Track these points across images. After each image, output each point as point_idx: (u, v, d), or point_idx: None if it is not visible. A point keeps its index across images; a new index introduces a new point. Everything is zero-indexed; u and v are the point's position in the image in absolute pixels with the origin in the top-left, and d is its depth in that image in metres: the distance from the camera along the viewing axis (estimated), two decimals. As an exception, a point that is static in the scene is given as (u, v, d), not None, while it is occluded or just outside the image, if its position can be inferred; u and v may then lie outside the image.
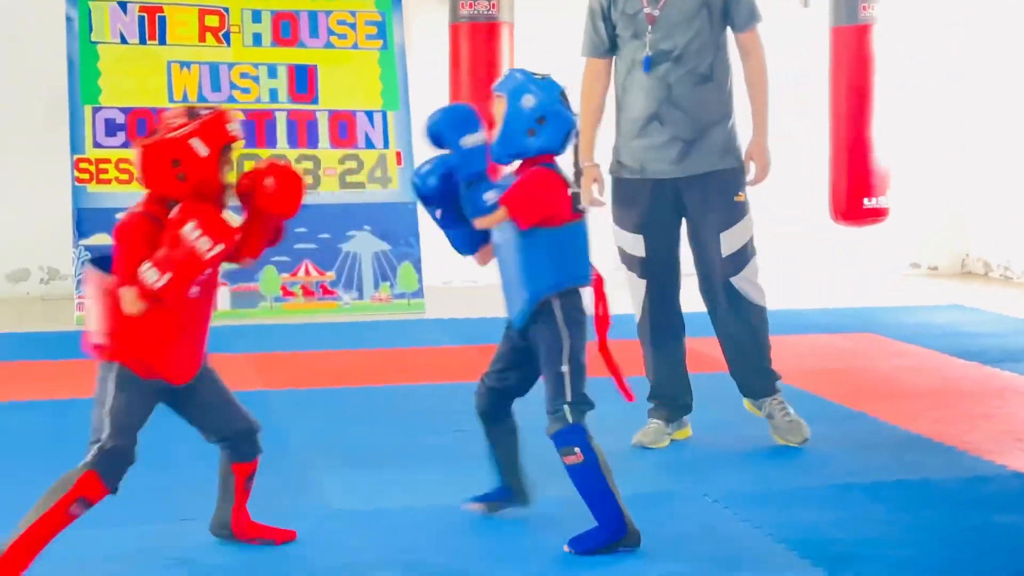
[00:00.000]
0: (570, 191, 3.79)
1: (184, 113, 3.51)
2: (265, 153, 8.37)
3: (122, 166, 8.06)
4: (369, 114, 8.64)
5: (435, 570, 3.62)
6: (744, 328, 4.89)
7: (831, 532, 3.91)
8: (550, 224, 3.74)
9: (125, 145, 8.09)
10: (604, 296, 3.85)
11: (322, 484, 4.42)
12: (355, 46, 8.68)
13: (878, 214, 8.51)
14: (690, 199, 4.82)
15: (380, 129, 8.64)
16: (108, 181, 8.06)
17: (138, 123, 8.16)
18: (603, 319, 3.82)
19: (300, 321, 8.03)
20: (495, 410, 4.02)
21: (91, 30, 8.23)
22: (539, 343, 3.79)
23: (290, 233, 8.25)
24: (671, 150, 4.78)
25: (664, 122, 4.78)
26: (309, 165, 8.47)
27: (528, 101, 3.78)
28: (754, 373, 4.95)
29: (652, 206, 4.84)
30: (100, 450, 3.41)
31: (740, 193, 4.83)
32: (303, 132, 8.50)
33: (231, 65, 8.45)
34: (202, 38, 8.41)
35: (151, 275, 3.33)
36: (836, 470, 4.61)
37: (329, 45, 8.64)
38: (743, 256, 4.83)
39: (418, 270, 8.52)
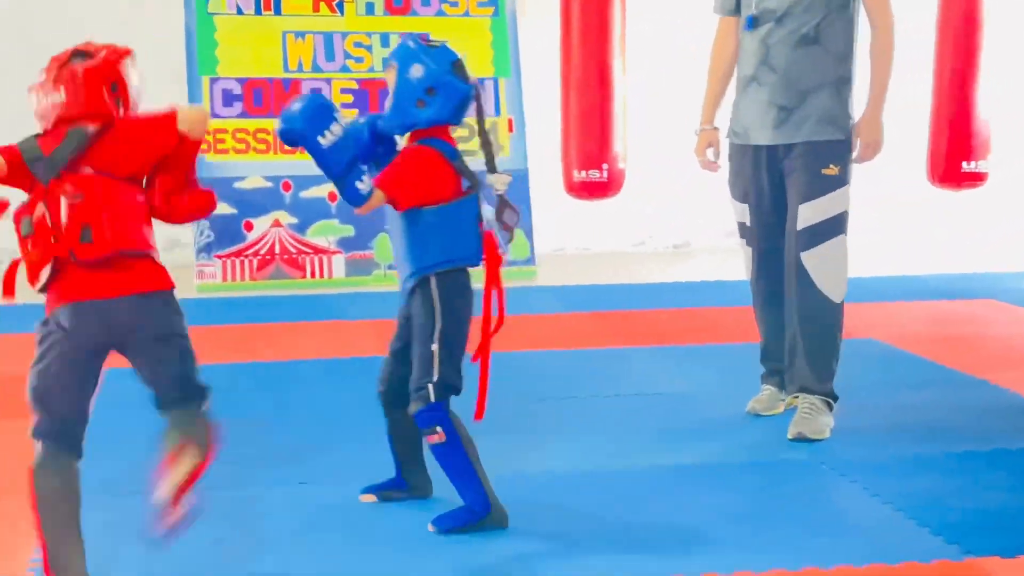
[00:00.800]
0: (456, 167, 3.69)
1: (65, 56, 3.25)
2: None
3: (239, 135, 8.20)
4: (480, 81, 8.65)
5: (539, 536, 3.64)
6: (807, 318, 4.59)
7: (951, 500, 3.85)
8: (432, 202, 3.65)
9: (242, 115, 8.21)
10: (497, 280, 3.72)
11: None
12: (466, 13, 8.70)
13: (976, 178, 8.31)
14: (786, 168, 4.63)
15: (491, 96, 8.66)
16: (226, 151, 8.19)
17: (254, 93, 8.28)
18: (493, 305, 3.70)
19: (413, 288, 8.08)
20: (396, 396, 3.82)
21: (208, 1, 8.36)
22: (414, 320, 3.70)
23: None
24: (768, 115, 4.61)
25: (761, 84, 4.62)
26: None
27: (416, 71, 3.65)
28: (809, 366, 4.64)
29: (755, 173, 4.70)
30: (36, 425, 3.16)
31: (832, 166, 4.55)
32: (415, 100, 8.54)
33: (344, 34, 8.52)
34: (316, 8, 8.49)
35: None
36: (956, 438, 4.53)
37: (441, 13, 8.67)
38: (820, 232, 4.54)
39: (529, 237, 8.53)
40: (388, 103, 3.72)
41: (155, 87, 9.63)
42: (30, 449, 3.11)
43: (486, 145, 3.81)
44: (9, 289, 3.18)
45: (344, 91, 8.43)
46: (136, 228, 3.18)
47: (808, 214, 4.55)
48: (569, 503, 3.90)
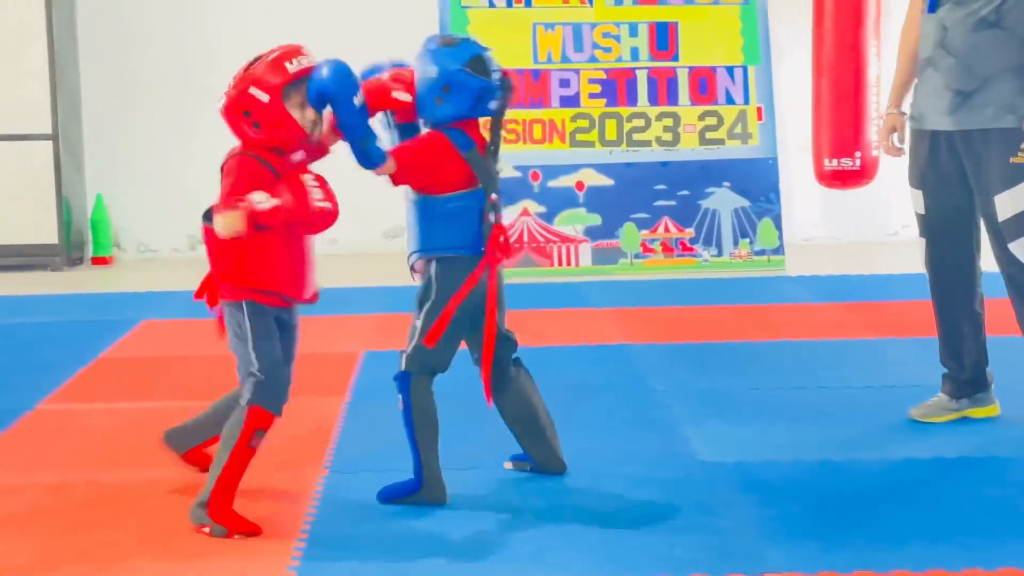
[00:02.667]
0: (465, 157, 3.76)
1: (246, 65, 3.61)
2: (626, 112, 8.48)
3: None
4: (730, 70, 8.60)
5: (790, 525, 3.61)
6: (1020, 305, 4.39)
7: None
8: (438, 191, 3.78)
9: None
10: (494, 280, 3.83)
11: (687, 436, 4.48)
12: (716, 2, 8.64)
13: None
14: (966, 156, 4.40)
15: (740, 85, 8.58)
16: (476, 141, 8.36)
17: (504, 84, 8.42)
18: (491, 299, 3.83)
19: (659, 277, 8.11)
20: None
21: (461, -5, 8.56)
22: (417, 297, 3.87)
23: (649, 190, 8.39)
24: (943, 99, 4.39)
25: (937, 68, 4.40)
26: (669, 122, 8.52)
27: (431, 71, 3.78)
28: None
29: (930, 159, 4.49)
30: (257, 384, 3.62)
31: (1020, 154, 4.29)
32: (663, 89, 8.55)
33: (593, 25, 8.59)
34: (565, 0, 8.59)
35: (260, 198, 3.48)
36: None
37: (690, 1, 8.63)
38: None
39: (778, 227, 8.43)
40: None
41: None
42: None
43: (493, 135, 3.88)
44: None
45: (592, 81, 8.50)
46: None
47: (1005, 205, 4.32)
48: (805, 492, 3.86)
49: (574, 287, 7.71)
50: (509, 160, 8.34)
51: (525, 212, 8.34)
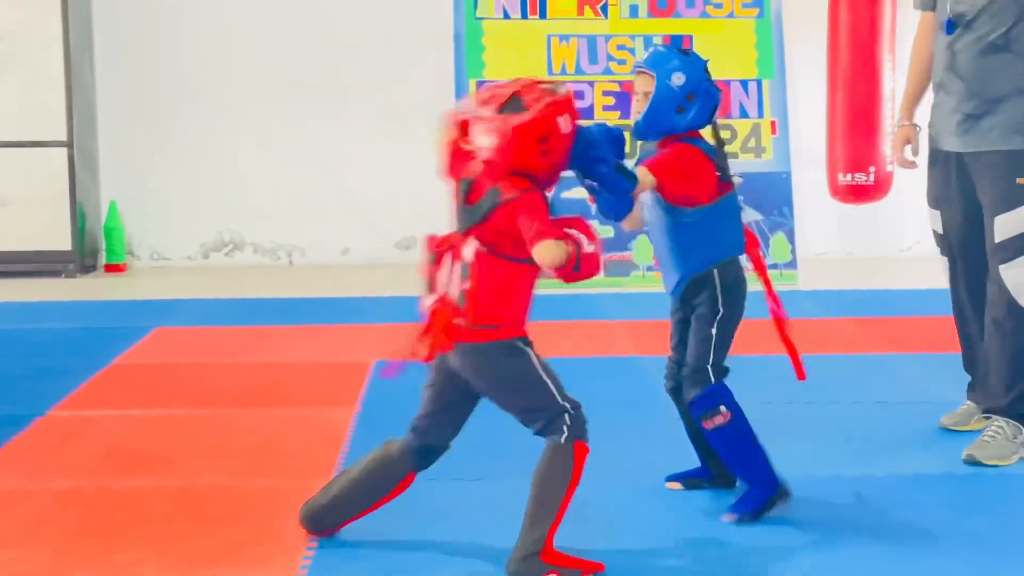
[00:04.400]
0: (717, 165, 3.75)
1: (534, 86, 3.38)
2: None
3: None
4: (744, 83, 8.59)
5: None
6: (1003, 334, 4.37)
7: None
8: (697, 203, 3.74)
9: (506, 117, 8.38)
10: (761, 264, 3.85)
11: (695, 450, 4.46)
12: (731, 15, 8.64)
13: None
14: (976, 176, 4.43)
15: (755, 98, 8.58)
16: (490, 152, 8.37)
17: (519, 96, 8.43)
18: (767, 285, 3.84)
19: (672, 290, 8.09)
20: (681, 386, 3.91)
21: (476, 7, 8.56)
22: (696, 311, 3.80)
23: (663, 203, 8.37)
24: (953, 121, 4.44)
25: (948, 92, 4.46)
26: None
27: (678, 79, 3.74)
28: (998, 385, 4.44)
29: (944, 179, 4.54)
30: (573, 418, 3.42)
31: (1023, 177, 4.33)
32: (678, 102, 8.54)
33: (608, 37, 8.59)
34: (580, 11, 8.59)
35: (583, 239, 3.34)
36: None
37: (705, 15, 8.64)
38: (1019, 245, 4.31)
39: (791, 241, 8.42)
40: (639, 109, 3.79)
41: (424, 90, 10.00)
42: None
43: (719, 146, 3.86)
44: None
45: (606, 93, 8.50)
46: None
47: (1003, 227, 4.34)
48: (817, 506, 3.85)
49: (586, 299, 7.70)
50: (522, 171, 8.35)
51: (538, 223, 8.33)
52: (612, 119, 8.46)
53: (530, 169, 3.38)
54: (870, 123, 8.01)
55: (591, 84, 8.50)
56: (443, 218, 10.03)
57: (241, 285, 8.46)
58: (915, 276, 8.38)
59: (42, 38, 8.64)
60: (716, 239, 3.77)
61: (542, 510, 3.37)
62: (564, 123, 3.36)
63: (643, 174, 3.66)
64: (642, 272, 8.32)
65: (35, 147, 8.70)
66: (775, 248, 8.39)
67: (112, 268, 9.13)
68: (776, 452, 4.41)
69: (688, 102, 3.75)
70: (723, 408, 3.73)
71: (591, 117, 8.47)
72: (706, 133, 3.85)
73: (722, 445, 3.76)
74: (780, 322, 3.90)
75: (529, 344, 3.48)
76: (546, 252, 3.28)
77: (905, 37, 8.28)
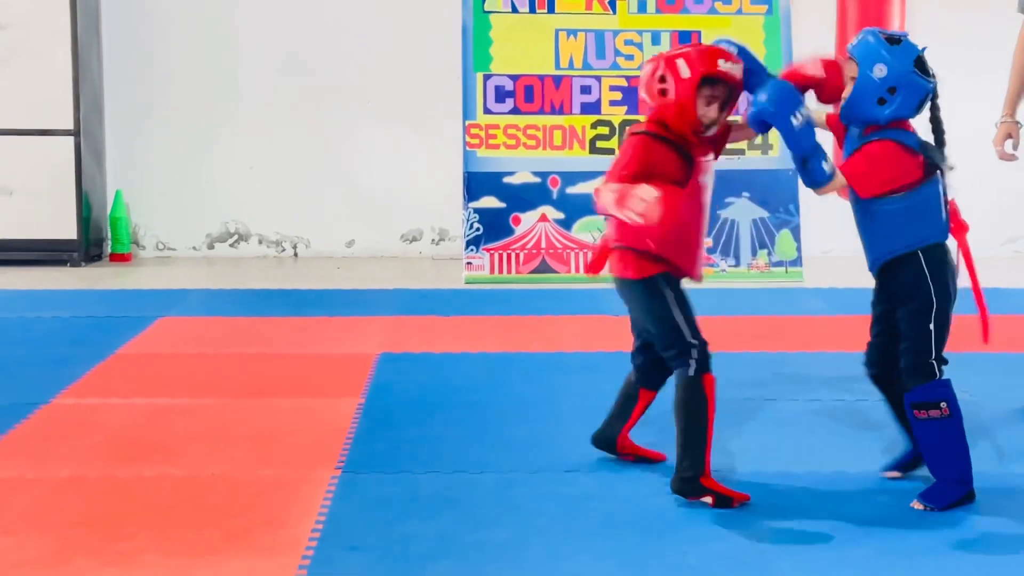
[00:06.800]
0: (920, 153, 3.72)
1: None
2: (643, 119, 8.45)
3: (510, 131, 8.36)
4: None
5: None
6: None
7: None
8: (896, 191, 3.73)
9: (514, 111, 8.37)
10: (966, 248, 3.84)
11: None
12: (739, 11, 8.62)
13: None
14: None
15: (762, 95, 8.55)
16: (496, 147, 8.37)
17: (526, 90, 8.43)
18: (970, 271, 3.83)
19: (677, 286, 8.08)
20: (885, 373, 3.95)
21: (484, 0, 8.55)
22: (905, 297, 3.79)
23: (669, 199, 8.36)
24: None
25: None
26: (690, 131, 8.49)
27: (880, 70, 3.69)
28: None
29: None
30: (700, 351, 3.83)
31: None
32: (684, 98, 8.52)
33: (616, 32, 8.58)
34: (588, 6, 8.57)
35: (643, 193, 3.64)
36: None
37: (713, 11, 8.62)
38: None
39: (797, 238, 8.41)
40: (845, 95, 3.79)
41: (430, 83, 9.98)
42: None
43: (938, 134, 3.85)
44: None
45: (613, 88, 8.49)
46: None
47: None
48: (819, 503, 3.85)
49: (591, 294, 7.69)
50: (529, 166, 8.34)
51: (543, 218, 8.33)
52: (619, 114, 8.46)
53: (659, 112, 3.84)
54: (877, 121, 8.00)
55: (598, 79, 8.48)
56: (448, 210, 10.08)
57: (246, 276, 8.47)
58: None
59: (50, 27, 8.63)
60: (914, 226, 3.76)
61: (690, 438, 3.79)
62: (682, 67, 3.76)
63: (837, 176, 3.73)
64: (647, 268, 8.31)
65: (42, 136, 8.70)
66: (780, 245, 8.39)
67: (117, 258, 9.13)
68: (779, 448, 4.42)
69: (890, 94, 3.70)
70: (943, 404, 3.75)
71: (598, 112, 8.47)
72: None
73: (928, 437, 3.77)
74: (983, 316, 3.92)
75: (671, 278, 3.88)
76: (600, 194, 3.75)
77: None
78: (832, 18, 8.27)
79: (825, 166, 3.72)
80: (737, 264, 8.38)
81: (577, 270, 8.29)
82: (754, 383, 5.44)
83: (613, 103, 8.48)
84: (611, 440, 4.20)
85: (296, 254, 9.46)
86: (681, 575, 3.31)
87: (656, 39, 8.57)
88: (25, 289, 7.84)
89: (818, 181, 3.74)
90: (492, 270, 8.26)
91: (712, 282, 8.23)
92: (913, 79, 3.69)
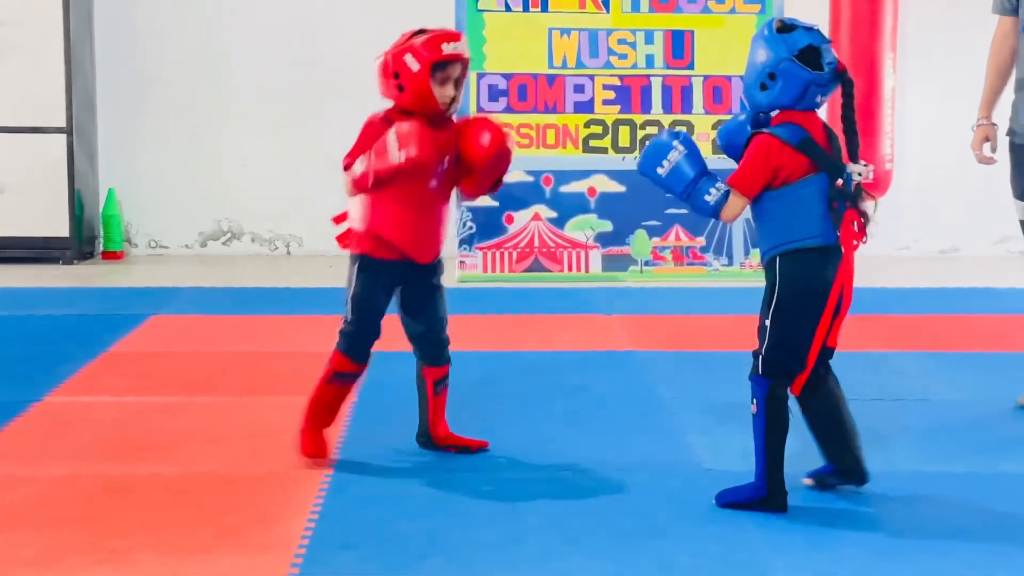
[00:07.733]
0: (799, 150, 3.63)
1: (411, 33, 4.06)
2: (639, 119, 8.48)
3: (504, 130, 8.35)
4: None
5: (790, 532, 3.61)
6: None
7: None
8: (773, 188, 3.68)
9: (506, 110, 8.37)
10: (848, 263, 3.70)
11: (692, 444, 4.48)
12: (732, 11, 8.63)
13: None
14: None
15: (755, 94, 8.56)
16: (489, 145, 8.36)
17: (519, 89, 8.43)
18: (846, 286, 3.72)
19: (669, 285, 8.10)
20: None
21: (478, -1, 8.56)
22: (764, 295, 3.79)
23: (661, 198, 8.38)
24: None
25: None
26: (682, 131, 8.50)
27: (760, 56, 3.69)
28: None
29: None
30: (341, 332, 4.15)
31: None
32: (678, 97, 8.54)
33: (609, 31, 8.58)
34: (582, 5, 8.57)
35: (355, 166, 4.00)
36: None
37: (707, 10, 8.63)
38: None
39: (789, 237, 8.41)
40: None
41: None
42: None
43: (848, 133, 3.76)
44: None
45: (607, 87, 8.50)
46: None
47: None
48: (811, 502, 3.86)
49: (583, 293, 7.71)
50: (522, 165, 8.34)
51: (536, 217, 8.34)
52: (612, 113, 8.47)
53: (399, 105, 4.03)
54: (870, 121, 8.01)
55: (591, 78, 8.49)
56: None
57: (239, 274, 8.46)
58: (912, 274, 8.39)
59: (42, 24, 8.61)
60: (782, 225, 3.69)
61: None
62: (411, 62, 3.96)
63: (732, 196, 3.72)
64: (640, 267, 8.32)
65: (34, 133, 8.68)
66: (773, 245, 8.39)
67: (109, 256, 9.12)
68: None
69: (770, 80, 3.67)
70: (754, 401, 3.74)
71: (591, 111, 8.47)
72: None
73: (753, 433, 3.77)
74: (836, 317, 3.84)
75: (371, 263, 4.12)
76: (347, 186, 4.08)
77: (906, 35, 8.30)
78: (825, 17, 8.28)
79: (708, 198, 3.73)
80: (730, 263, 8.39)
81: (570, 269, 8.30)
82: (746, 381, 5.43)
83: (606, 102, 8.49)
84: (426, 433, 4.30)
85: (289, 252, 9.45)
86: (673, 574, 3.31)
87: (650, 38, 8.57)
88: (17, 287, 7.83)
89: (706, 212, 3.75)
90: (485, 269, 8.26)
91: (705, 281, 8.26)
92: (791, 67, 3.63)
